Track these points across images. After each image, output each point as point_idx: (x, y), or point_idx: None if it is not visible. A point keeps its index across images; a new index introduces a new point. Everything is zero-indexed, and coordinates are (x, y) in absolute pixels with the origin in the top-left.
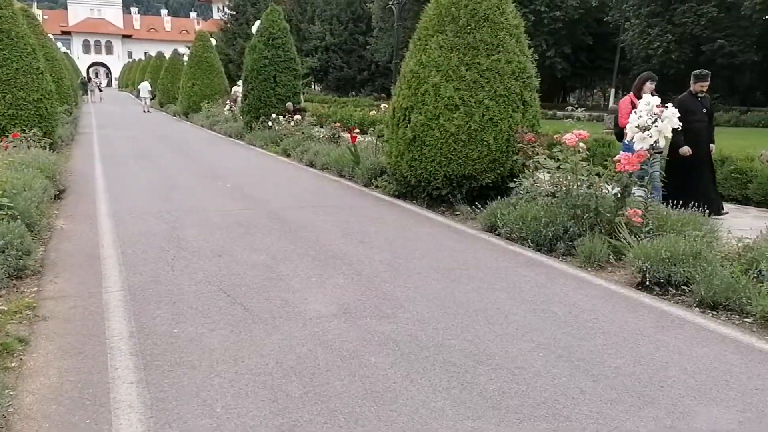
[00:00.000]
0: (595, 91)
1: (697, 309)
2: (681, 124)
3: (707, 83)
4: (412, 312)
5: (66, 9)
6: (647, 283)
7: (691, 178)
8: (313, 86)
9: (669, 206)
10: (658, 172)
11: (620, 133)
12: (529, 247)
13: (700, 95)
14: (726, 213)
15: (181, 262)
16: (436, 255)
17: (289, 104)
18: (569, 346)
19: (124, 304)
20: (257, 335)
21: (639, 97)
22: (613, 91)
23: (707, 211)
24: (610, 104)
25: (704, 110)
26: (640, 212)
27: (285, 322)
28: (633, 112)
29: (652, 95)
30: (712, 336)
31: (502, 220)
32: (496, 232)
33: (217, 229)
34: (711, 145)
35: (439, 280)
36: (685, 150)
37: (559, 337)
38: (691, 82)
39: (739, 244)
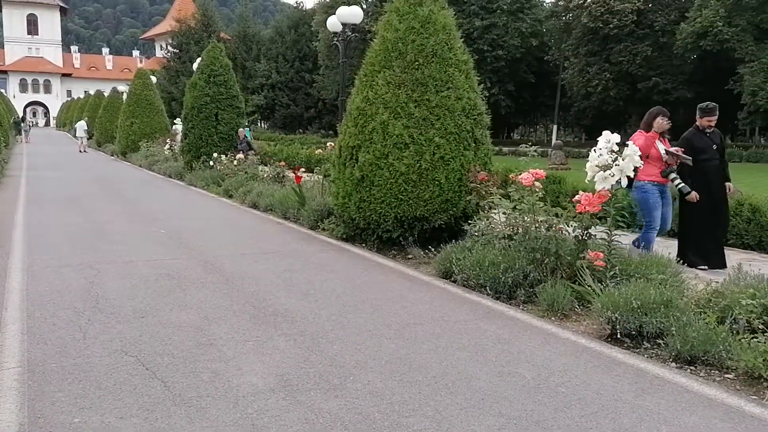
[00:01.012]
0: (537, 126)
1: (674, 364)
2: (690, 164)
3: (715, 117)
4: (363, 382)
5: (2, 48)
6: (618, 335)
7: (707, 225)
8: (259, 124)
9: (684, 260)
10: (670, 214)
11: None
12: (488, 295)
13: (708, 130)
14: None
15: (95, 326)
16: (388, 308)
17: (241, 130)
18: (543, 420)
19: (19, 385)
20: (177, 423)
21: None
22: (555, 126)
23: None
24: (553, 140)
25: (714, 147)
26: (602, 255)
27: (213, 403)
28: (593, 150)
29: (663, 135)
30: (696, 399)
31: (458, 266)
32: (452, 279)
33: (144, 283)
34: (727, 183)
35: (393, 339)
36: (693, 196)
37: (531, 408)
38: (697, 116)
39: (708, 289)
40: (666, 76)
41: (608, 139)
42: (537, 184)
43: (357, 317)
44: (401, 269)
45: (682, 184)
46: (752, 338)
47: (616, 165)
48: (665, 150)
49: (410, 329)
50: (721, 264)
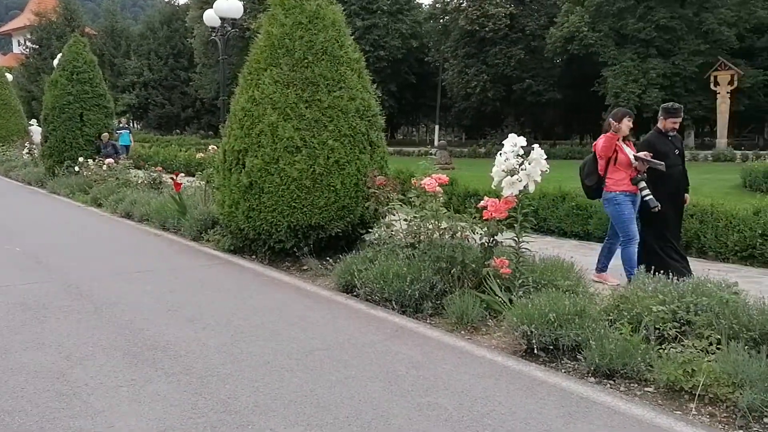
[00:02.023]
0: (420, 126)
1: (593, 378)
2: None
3: (680, 119)
4: (264, 430)
5: None
6: (534, 350)
7: (668, 236)
8: (132, 124)
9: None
10: (634, 220)
11: (596, 186)
12: (394, 309)
13: (671, 133)
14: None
15: None
16: (288, 332)
17: (105, 134)
18: None
19: None
20: None
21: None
22: (437, 127)
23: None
24: (436, 140)
25: (676, 151)
26: (507, 262)
27: None
28: (498, 154)
29: (627, 138)
30: (627, 422)
31: (360, 279)
32: (354, 293)
33: None
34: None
35: (296, 370)
36: (655, 203)
37: None
38: (660, 117)
39: (615, 295)
40: (538, 78)
41: (514, 142)
42: (439, 189)
43: (252, 346)
44: (298, 284)
45: (650, 197)
46: (670, 348)
47: (522, 170)
48: (634, 155)
49: (314, 357)
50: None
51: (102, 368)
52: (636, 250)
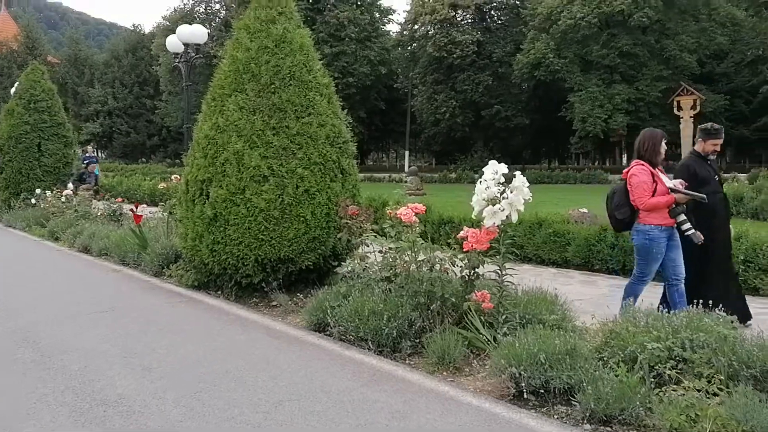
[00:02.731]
0: (389, 152)
1: (588, 425)
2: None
3: (721, 140)
4: None
5: None
6: (524, 394)
7: (707, 273)
8: (97, 153)
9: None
10: (659, 262)
11: (628, 220)
12: (370, 349)
13: (711, 157)
14: (750, 324)
15: None
16: (255, 379)
17: (93, 165)
18: None
19: None
20: None
21: (654, 164)
22: (407, 152)
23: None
24: (406, 166)
25: (716, 177)
26: (488, 296)
27: None
28: (479, 182)
29: (666, 162)
30: None
31: (334, 316)
32: (327, 332)
33: None
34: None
35: (264, 426)
36: (699, 237)
37: None
38: (699, 139)
39: (604, 330)
40: (506, 103)
41: (495, 169)
42: (415, 219)
43: (215, 398)
44: (266, 323)
45: (693, 231)
46: (670, 390)
47: (504, 198)
48: (670, 187)
49: (284, 409)
50: (747, 316)
51: (44, 429)
52: (643, 289)
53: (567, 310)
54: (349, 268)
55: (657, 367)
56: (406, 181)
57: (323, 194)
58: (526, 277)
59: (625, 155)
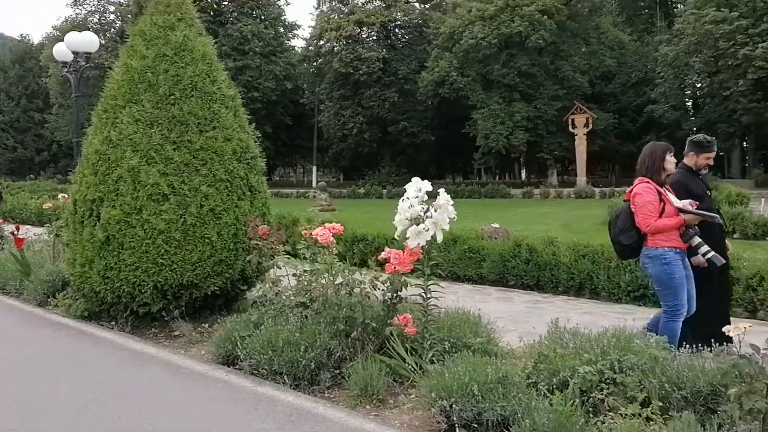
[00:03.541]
0: (297, 168)
1: None
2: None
3: (714, 153)
4: None
5: None
6: (456, 428)
7: (711, 297)
8: None
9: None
10: (685, 286)
11: (635, 245)
12: (286, 384)
13: (702, 172)
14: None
15: None
16: (153, 427)
17: None
18: None
19: None
20: None
21: (661, 183)
22: (314, 168)
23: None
24: (314, 181)
25: (708, 193)
26: (410, 319)
27: None
28: (401, 200)
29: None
30: None
31: (244, 348)
32: (237, 365)
33: None
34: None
35: None
36: (720, 259)
37: None
38: (689, 152)
39: (532, 352)
40: (412, 120)
41: (418, 186)
42: (332, 240)
43: None
44: (167, 357)
45: (712, 253)
46: (608, 419)
47: (428, 217)
48: (679, 206)
49: None
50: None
51: None
52: (680, 325)
53: (491, 330)
54: (261, 293)
55: (590, 393)
56: (322, 198)
57: (230, 213)
58: (443, 295)
59: (524, 170)
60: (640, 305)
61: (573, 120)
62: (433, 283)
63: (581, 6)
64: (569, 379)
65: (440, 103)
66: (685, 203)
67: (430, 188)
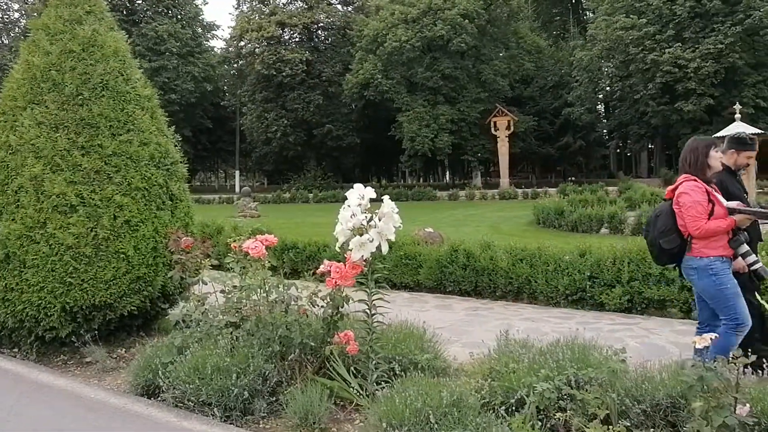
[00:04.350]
0: (218, 173)
1: None
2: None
3: (755, 153)
4: None
5: None
6: None
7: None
8: None
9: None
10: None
11: (677, 250)
12: (215, 416)
13: (742, 172)
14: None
15: None
16: None
17: None
18: None
19: None
20: None
21: (707, 180)
22: (237, 173)
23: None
24: (237, 186)
25: (746, 195)
26: (351, 335)
27: None
28: (342, 208)
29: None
30: None
31: (167, 377)
32: (160, 396)
33: None
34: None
35: None
36: (740, 265)
37: None
38: (729, 150)
39: (483, 369)
40: (337, 123)
41: (361, 193)
42: (265, 253)
43: None
44: (78, 389)
45: (760, 264)
46: None
47: (373, 227)
48: (730, 206)
49: None
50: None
51: None
52: (741, 339)
53: (436, 344)
54: (184, 313)
55: (548, 411)
56: (251, 205)
57: (148, 225)
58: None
59: (448, 172)
60: (578, 308)
61: (495, 122)
62: (378, 298)
63: (500, 11)
64: (526, 398)
65: (365, 105)
66: (732, 204)
67: (373, 195)
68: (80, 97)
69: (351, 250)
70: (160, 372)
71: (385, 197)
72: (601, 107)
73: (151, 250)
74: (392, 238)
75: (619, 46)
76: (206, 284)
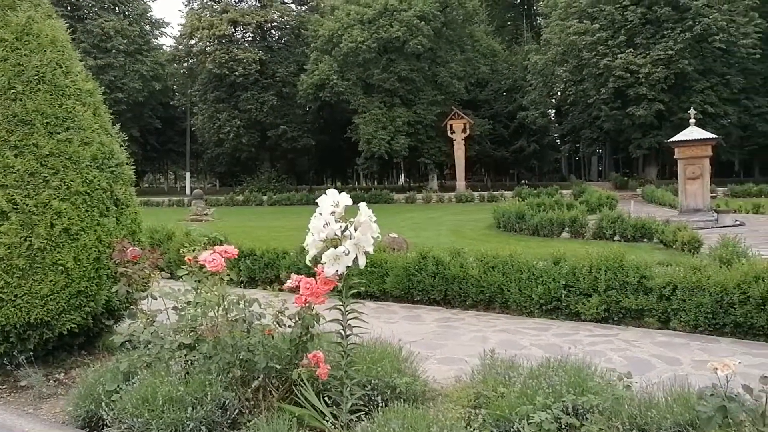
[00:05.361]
0: (168, 174)
1: None
2: None
3: None
4: None
5: None
6: None
7: None
8: None
9: None
10: None
11: None
12: None
13: None
14: None
15: None
16: None
17: None
18: None
19: None
20: None
21: None
22: (188, 174)
23: None
24: (187, 188)
25: None
26: (321, 356)
27: None
28: (314, 217)
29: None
30: None
31: (112, 408)
32: (103, 430)
33: None
34: None
35: None
36: None
37: None
38: None
39: (468, 394)
40: (292, 124)
41: (335, 200)
42: (224, 265)
43: None
44: (10, 421)
45: None
46: None
47: (348, 238)
48: None
49: None
50: None
51: None
52: None
53: (412, 362)
54: (131, 332)
55: None
56: (206, 214)
57: (90, 233)
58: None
59: (403, 175)
60: (553, 318)
61: (451, 125)
62: (354, 317)
63: (456, 14)
64: (520, 429)
65: (321, 106)
66: None
67: (349, 202)
68: (13, 91)
69: (324, 264)
70: (103, 402)
71: (362, 204)
72: (550, 112)
73: (93, 262)
74: (370, 250)
75: (572, 51)
76: (156, 299)
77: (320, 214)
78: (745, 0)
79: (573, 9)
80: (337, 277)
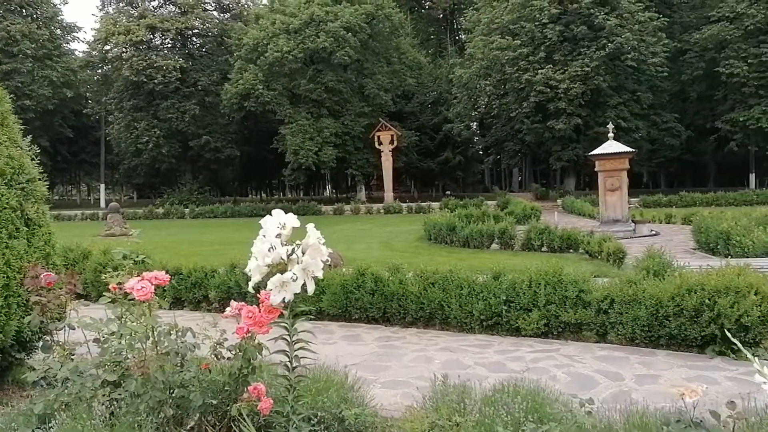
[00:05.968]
0: (81, 186)
1: None
2: None
3: None
4: None
5: None
6: None
7: None
8: None
9: None
10: None
11: None
12: None
13: None
14: None
15: None
16: None
17: None
18: None
19: None
20: None
21: None
22: (102, 186)
23: None
24: (102, 200)
25: None
26: (263, 389)
27: None
28: (257, 240)
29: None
30: None
31: None
32: None
33: None
34: None
35: None
36: None
37: None
38: None
39: (423, 423)
40: (215, 134)
41: (282, 222)
42: (152, 293)
43: None
44: None
45: None
46: None
47: (295, 263)
48: None
49: None
50: None
51: None
52: None
53: (358, 389)
54: (47, 368)
55: None
56: (130, 236)
57: None
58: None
59: (329, 186)
60: (494, 334)
61: (379, 137)
62: (301, 347)
63: (382, 26)
64: None
65: (246, 116)
66: None
67: (297, 224)
68: None
69: (270, 291)
70: None
71: (310, 225)
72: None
73: (1, 289)
74: (319, 275)
75: (495, 66)
76: (74, 329)
77: (264, 236)
78: (654, 21)
79: (495, 25)
80: (283, 305)
